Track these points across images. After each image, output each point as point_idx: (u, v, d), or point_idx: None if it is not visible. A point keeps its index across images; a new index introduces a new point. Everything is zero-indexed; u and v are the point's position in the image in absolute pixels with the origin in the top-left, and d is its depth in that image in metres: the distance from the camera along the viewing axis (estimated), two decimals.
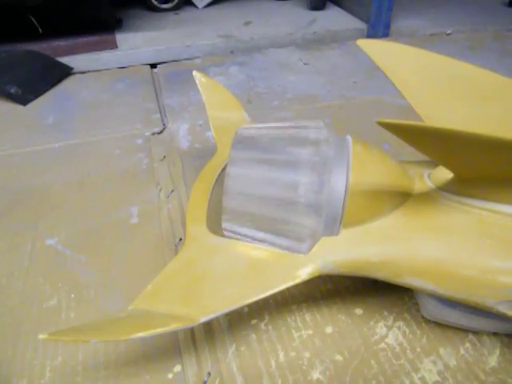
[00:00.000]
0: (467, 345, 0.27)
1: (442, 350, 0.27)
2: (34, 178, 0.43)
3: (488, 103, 0.24)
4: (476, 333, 0.27)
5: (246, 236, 0.24)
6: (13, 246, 0.35)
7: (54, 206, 0.40)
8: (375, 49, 0.26)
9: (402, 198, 0.24)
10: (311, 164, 0.23)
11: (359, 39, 0.26)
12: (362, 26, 0.77)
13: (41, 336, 0.19)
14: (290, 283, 0.22)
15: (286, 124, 0.25)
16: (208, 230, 0.26)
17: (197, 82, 0.36)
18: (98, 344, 0.27)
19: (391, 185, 0.23)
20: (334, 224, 0.23)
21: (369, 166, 0.23)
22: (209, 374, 0.25)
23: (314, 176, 0.23)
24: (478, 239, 0.23)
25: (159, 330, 0.19)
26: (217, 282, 0.22)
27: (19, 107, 0.57)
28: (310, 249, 0.23)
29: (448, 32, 0.76)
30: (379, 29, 0.74)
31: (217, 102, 0.35)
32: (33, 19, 0.66)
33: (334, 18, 0.82)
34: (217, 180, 0.32)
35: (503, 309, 0.22)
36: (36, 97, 0.59)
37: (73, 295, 0.31)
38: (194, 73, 0.36)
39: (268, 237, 0.24)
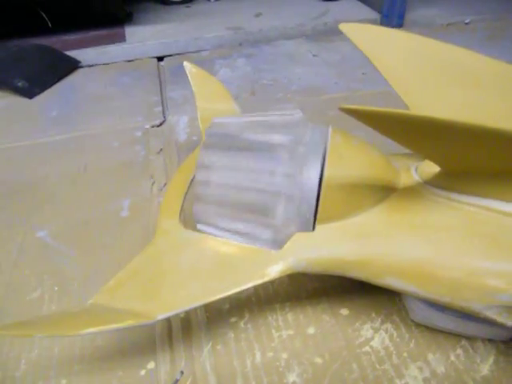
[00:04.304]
0: (459, 351, 0.25)
1: (430, 356, 0.25)
2: (32, 170, 0.44)
3: (482, 90, 0.22)
4: (469, 338, 0.26)
5: (216, 227, 0.23)
6: (4, 237, 0.36)
7: (48, 199, 0.40)
8: (359, 33, 0.24)
9: (385, 192, 0.22)
10: (283, 153, 0.22)
11: (341, 23, 0.24)
12: (375, 16, 0.74)
13: None
14: (259, 281, 0.21)
15: (264, 113, 0.24)
16: (180, 223, 0.25)
17: (187, 72, 0.35)
18: (75, 337, 0.27)
19: (372, 178, 0.22)
20: (308, 219, 0.22)
21: (347, 158, 0.22)
22: (182, 372, 0.25)
23: (285, 166, 0.22)
24: (465, 238, 0.21)
25: (112, 327, 0.18)
26: (180, 278, 0.21)
27: (25, 100, 0.57)
28: (281, 245, 0.22)
29: (466, 21, 0.73)
30: (393, 19, 0.71)
31: (207, 93, 0.34)
32: (43, 13, 0.67)
33: (348, 9, 0.80)
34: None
35: (492, 314, 0.21)
36: (42, 90, 0.59)
37: (56, 288, 0.31)
38: (185, 63, 0.36)
39: (238, 228, 0.23)
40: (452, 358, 0.25)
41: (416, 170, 0.23)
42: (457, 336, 0.26)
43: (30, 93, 0.58)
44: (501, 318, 0.21)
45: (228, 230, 0.23)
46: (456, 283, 0.20)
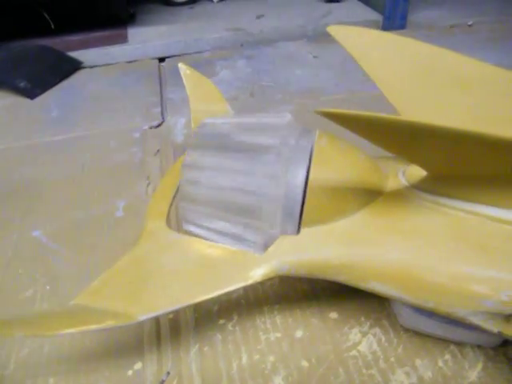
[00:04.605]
0: (447, 356, 0.25)
1: (418, 361, 0.25)
2: (30, 170, 0.44)
3: (470, 93, 0.22)
4: (458, 344, 0.25)
5: (202, 227, 0.23)
6: (0, 236, 0.36)
7: (44, 199, 0.40)
8: (347, 35, 0.24)
9: (371, 196, 0.22)
10: (269, 155, 0.22)
11: (330, 26, 0.24)
12: (377, 17, 0.74)
13: None
14: (241, 284, 0.21)
15: (253, 115, 0.24)
16: (166, 225, 0.25)
17: (182, 74, 0.35)
18: (64, 337, 0.27)
19: (358, 182, 0.22)
20: (292, 222, 0.22)
21: (333, 161, 0.22)
22: (168, 373, 0.25)
23: (270, 168, 0.22)
24: (451, 243, 0.21)
25: (91, 327, 0.18)
26: (164, 280, 0.21)
27: (26, 101, 0.58)
28: (265, 248, 0.22)
29: (469, 23, 0.72)
30: (395, 20, 0.70)
31: (200, 94, 0.34)
32: (45, 14, 0.67)
33: (350, 10, 0.79)
34: None
35: (477, 320, 0.20)
36: (44, 91, 0.60)
37: (48, 287, 0.31)
38: (180, 65, 0.36)
39: (224, 228, 0.23)
40: (440, 363, 0.25)
41: (404, 173, 0.23)
42: (446, 341, 0.25)
43: (31, 93, 0.58)
44: (486, 325, 0.20)
45: (214, 230, 0.23)
46: (440, 288, 0.20)
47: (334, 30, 0.24)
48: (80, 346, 0.27)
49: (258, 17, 0.82)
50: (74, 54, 0.68)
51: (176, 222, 0.32)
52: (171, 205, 0.27)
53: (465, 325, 0.22)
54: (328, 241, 0.21)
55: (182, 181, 0.23)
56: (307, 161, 0.22)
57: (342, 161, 0.22)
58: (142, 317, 0.19)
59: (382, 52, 0.23)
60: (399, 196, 0.22)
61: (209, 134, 0.24)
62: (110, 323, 0.19)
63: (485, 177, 0.20)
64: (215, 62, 0.67)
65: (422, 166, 0.20)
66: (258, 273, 0.21)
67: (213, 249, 0.22)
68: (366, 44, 0.24)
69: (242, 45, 0.74)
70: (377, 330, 0.27)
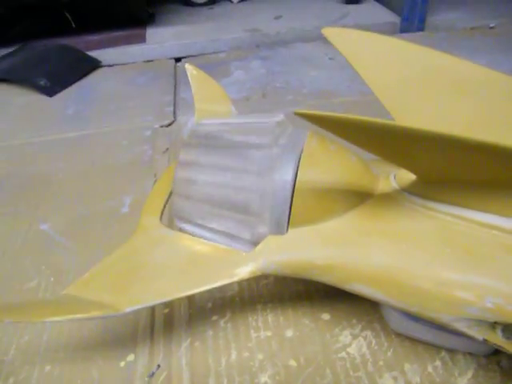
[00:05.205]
0: (437, 363, 0.25)
1: (407, 366, 0.25)
2: (43, 165, 0.45)
3: (463, 96, 0.21)
4: (451, 351, 0.25)
5: (194, 224, 0.23)
6: (11, 227, 0.37)
7: (55, 193, 0.41)
8: (342, 38, 0.24)
9: (359, 198, 0.22)
10: (260, 155, 0.22)
11: (324, 28, 0.24)
12: (395, 19, 0.73)
13: None
14: (227, 281, 0.21)
15: (248, 115, 0.24)
16: (160, 221, 0.25)
17: (188, 74, 0.36)
18: (62, 326, 0.28)
19: (346, 184, 0.22)
20: (280, 222, 0.22)
21: (322, 161, 0.22)
22: (158, 366, 0.25)
23: (260, 168, 0.22)
24: (437, 248, 0.20)
25: (77, 316, 0.19)
26: (152, 274, 0.22)
27: (46, 98, 0.60)
28: (252, 246, 0.22)
29: (491, 25, 0.70)
30: (413, 22, 0.69)
31: (205, 94, 0.35)
32: (67, 15, 0.70)
33: (368, 12, 0.79)
34: None
35: (461, 327, 0.20)
36: (63, 88, 0.62)
37: (52, 279, 0.32)
38: (187, 65, 0.36)
39: (216, 226, 0.23)
40: (429, 369, 0.24)
41: (395, 176, 0.23)
42: (437, 347, 0.25)
43: (50, 91, 0.60)
44: (471, 332, 0.20)
45: (204, 228, 0.23)
46: (424, 293, 0.20)
47: (328, 32, 0.24)
48: (78, 335, 0.28)
49: (276, 18, 0.83)
50: (94, 54, 0.70)
51: (169, 218, 0.33)
52: (167, 202, 0.27)
53: (454, 331, 0.22)
54: (314, 241, 0.22)
55: (175, 179, 0.24)
56: (296, 161, 0.22)
57: (332, 162, 0.22)
58: (128, 309, 0.20)
59: (378, 55, 0.23)
60: (388, 199, 0.22)
61: (203, 135, 0.24)
62: (95, 313, 0.20)
63: (474, 182, 0.20)
64: (230, 62, 0.68)
65: (408, 168, 0.20)
66: (244, 270, 0.21)
67: (202, 246, 0.23)
68: (361, 47, 0.24)
69: (258, 46, 0.74)
70: (368, 332, 0.27)
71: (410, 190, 0.22)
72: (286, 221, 0.22)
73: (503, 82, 0.21)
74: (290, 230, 0.22)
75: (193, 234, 0.24)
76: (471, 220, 0.21)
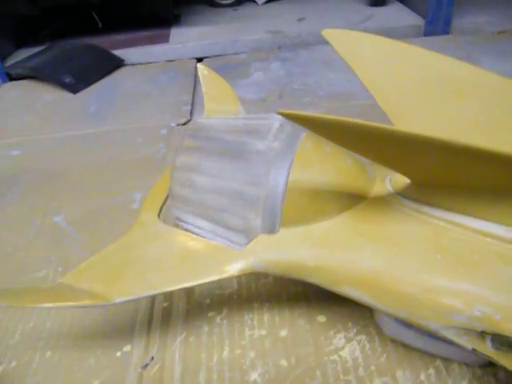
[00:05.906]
0: (431, 371, 0.24)
1: (399, 373, 0.24)
2: (61, 160, 0.47)
3: (462, 100, 0.21)
4: (446, 360, 0.25)
5: (187, 223, 0.24)
6: (25, 219, 0.39)
7: (69, 187, 0.43)
8: (341, 40, 0.24)
9: (352, 200, 0.22)
10: (254, 156, 0.22)
11: (324, 29, 0.24)
12: (420, 22, 0.72)
13: None
14: (217, 277, 0.21)
15: (246, 116, 0.25)
16: (158, 217, 0.26)
17: (199, 74, 0.36)
18: (65, 314, 0.29)
19: (339, 185, 0.22)
20: (272, 221, 0.22)
21: (315, 163, 0.22)
22: (152, 358, 0.26)
23: (254, 168, 0.22)
24: (427, 253, 0.20)
25: (68, 304, 0.20)
26: (144, 267, 0.22)
27: (69, 95, 0.62)
28: (244, 244, 0.22)
29: None
30: (438, 25, 0.68)
31: (215, 94, 0.35)
32: (94, 15, 0.72)
33: (393, 15, 0.78)
34: None
35: (450, 335, 0.20)
36: (86, 86, 0.64)
37: (60, 269, 0.33)
38: (198, 65, 0.37)
39: (209, 226, 0.23)
40: (422, 377, 0.24)
41: (391, 179, 0.23)
42: (433, 356, 0.25)
43: (74, 88, 0.63)
44: (460, 341, 0.20)
45: (199, 224, 0.24)
46: (412, 299, 0.20)
47: (328, 34, 0.24)
48: (79, 324, 0.29)
49: (300, 19, 0.83)
50: (118, 53, 0.72)
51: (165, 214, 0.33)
52: (166, 199, 0.28)
53: (444, 339, 0.22)
54: (305, 242, 0.22)
55: (172, 180, 0.24)
56: (290, 162, 0.22)
57: (325, 164, 0.22)
58: (118, 299, 0.21)
59: (377, 57, 0.23)
60: (382, 202, 0.22)
61: (199, 136, 0.24)
62: (86, 302, 0.20)
63: (470, 188, 0.20)
64: (250, 63, 0.68)
65: (394, 170, 0.19)
66: (234, 267, 0.22)
67: (195, 242, 0.23)
68: (360, 49, 0.23)
69: (279, 47, 0.74)
70: (363, 336, 0.26)
71: (405, 194, 0.22)
72: (278, 221, 0.22)
73: (503, 85, 0.21)
74: (281, 229, 0.22)
75: (187, 231, 0.24)
76: (465, 226, 0.20)
